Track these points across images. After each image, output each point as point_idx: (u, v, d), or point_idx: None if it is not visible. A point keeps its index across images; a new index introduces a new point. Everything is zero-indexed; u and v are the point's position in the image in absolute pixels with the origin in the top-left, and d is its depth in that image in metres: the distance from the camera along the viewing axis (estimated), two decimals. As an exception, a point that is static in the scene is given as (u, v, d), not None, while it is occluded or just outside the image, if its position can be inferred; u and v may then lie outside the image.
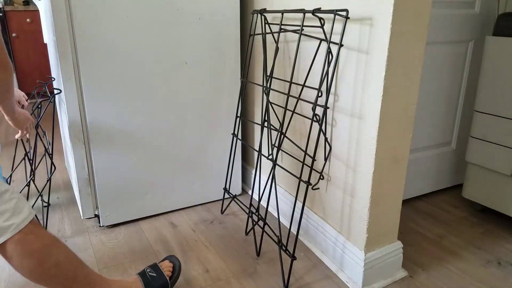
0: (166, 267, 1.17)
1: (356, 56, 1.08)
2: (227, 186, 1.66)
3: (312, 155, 1.08)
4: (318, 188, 1.31)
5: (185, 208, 1.70)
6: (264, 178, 1.73)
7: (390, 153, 1.11)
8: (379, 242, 1.21)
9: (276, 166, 1.34)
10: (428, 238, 1.50)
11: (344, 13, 0.96)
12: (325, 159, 1.22)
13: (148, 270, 1.15)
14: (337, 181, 1.25)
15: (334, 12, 0.96)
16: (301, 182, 1.12)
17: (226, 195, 1.72)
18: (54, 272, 0.92)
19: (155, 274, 1.14)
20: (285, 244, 1.15)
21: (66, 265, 0.94)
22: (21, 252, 0.88)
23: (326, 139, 1.08)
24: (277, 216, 1.62)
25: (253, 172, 1.82)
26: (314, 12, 1.01)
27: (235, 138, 1.58)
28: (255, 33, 1.48)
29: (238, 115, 1.53)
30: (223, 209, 1.67)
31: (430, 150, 1.72)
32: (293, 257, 1.19)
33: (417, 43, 1.03)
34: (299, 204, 1.48)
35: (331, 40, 1.07)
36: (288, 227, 1.55)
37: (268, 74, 1.29)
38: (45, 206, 1.64)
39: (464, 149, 1.78)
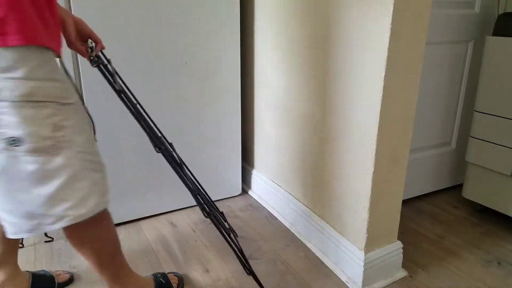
0: (172, 278, 1.20)
1: (356, 55, 1.08)
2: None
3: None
4: None
5: (185, 208, 1.70)
6: (262, 177, 1.73)
7: (390, 153, 1.11)
8: (379, 242, 1.21)
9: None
10: (428, 238, 1.50)
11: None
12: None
13: (159, 275, 1.18)
14: (337, 181, 1.25)
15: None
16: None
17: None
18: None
19: (164, 281, 1.16)
20: (246, 262, 1.08)
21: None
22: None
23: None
24: (276, 217, 1.63)
25: (253, 172, 1.82)
26: None
27: (170, 151, 1.40)
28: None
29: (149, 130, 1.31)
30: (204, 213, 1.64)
31: (430, 150, 1.71)
32: (251, 273, 1.08)
33: (417, 43, 1.03)
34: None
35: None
36: (288, 226, 1.55)
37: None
38: (45, 206, 1.64)
39: (464, 149, 1.77)
